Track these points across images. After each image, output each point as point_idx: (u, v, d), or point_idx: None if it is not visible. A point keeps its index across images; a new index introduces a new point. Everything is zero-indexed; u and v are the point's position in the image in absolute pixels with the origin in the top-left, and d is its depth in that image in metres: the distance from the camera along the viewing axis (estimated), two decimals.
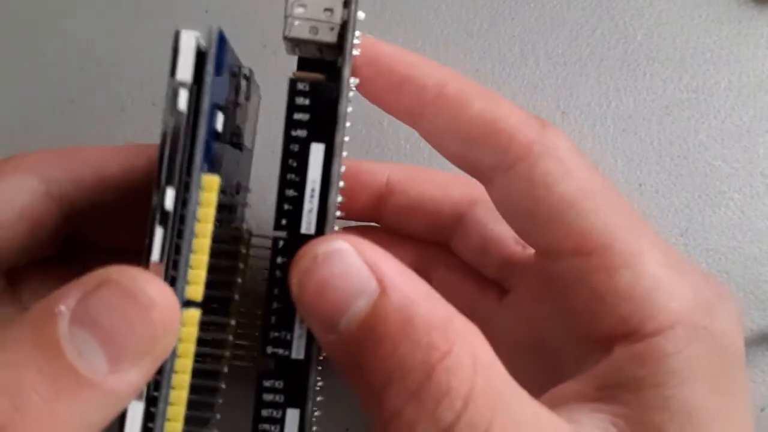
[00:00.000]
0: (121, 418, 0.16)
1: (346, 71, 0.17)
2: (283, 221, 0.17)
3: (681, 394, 0.16)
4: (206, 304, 0.17)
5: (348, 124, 0.17)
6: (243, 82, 0.19)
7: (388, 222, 0.24)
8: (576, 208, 0.18)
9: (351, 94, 0.17)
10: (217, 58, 0.16)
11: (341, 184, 0.17)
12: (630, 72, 0.28)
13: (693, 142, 0.27)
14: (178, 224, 0.16)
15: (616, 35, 0.28)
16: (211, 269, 0.17)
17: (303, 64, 0.18)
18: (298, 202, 0.17)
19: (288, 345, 0.17)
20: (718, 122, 0.27)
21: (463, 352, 0.15)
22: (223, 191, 0.17)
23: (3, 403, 0.13)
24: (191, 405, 0.17)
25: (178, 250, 0.16)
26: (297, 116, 0.17)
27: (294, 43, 0.17)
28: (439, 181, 0.23)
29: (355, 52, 0.17)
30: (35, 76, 0.28)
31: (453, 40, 0.28)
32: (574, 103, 0.28)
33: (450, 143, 0.20)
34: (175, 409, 0.16)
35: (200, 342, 0.16)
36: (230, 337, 0.18)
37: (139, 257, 0.16)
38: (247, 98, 0.19)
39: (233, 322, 0.18)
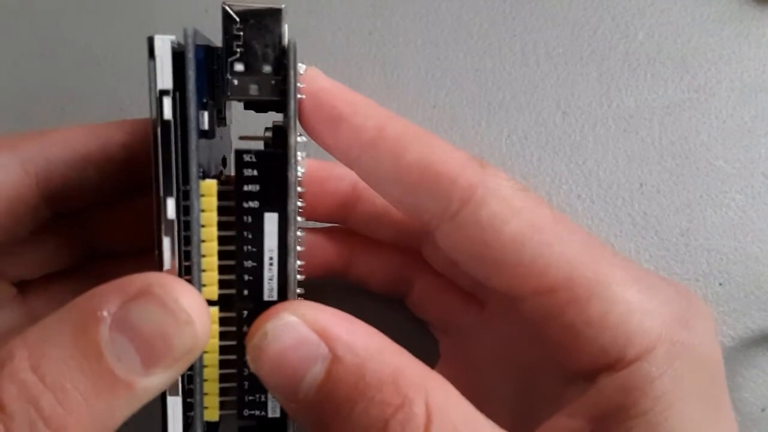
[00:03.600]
0: (164, 414, 0.17)
1: (293, 138, 0.17)
2: (245, 292, 0.17)
3: (670, 419, 0.16)
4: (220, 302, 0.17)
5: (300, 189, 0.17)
6: (216, 63, 0.18)
7: (357, 228, 0.24)
8: (529, 245, 0.17)
9: (301, 157, 0.17)
10: (196, 63, 0.16)
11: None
12: (631, 72, 0.28)
13: (694, 142, 0.27)
14: (184, 232, 0.16)
15: (617, 35, 0.28)
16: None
17: (248, 103, 0.18)
18: (258, 272, 0.17)
19: (263, 406, 0.17)
20: (719, 122, 0.27)
21: (415, 402, 0.15)
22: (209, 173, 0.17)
23: (49, 398, 0.14)
24: (223, 392, 0.18)
25: (188, 256, 0.16)
26: (247, 188, 0.17)
27: (236, 99, 0.17)
28: None
29: (300, 95, 0.17)
30: (35, 76, 0.28)
31: (453, 40, 0.28)
32: (575, 103, 0.28)
33: (390, 188, 0.19)
34: (209, 398, 0.17)
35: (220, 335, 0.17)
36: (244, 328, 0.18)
37: (149, 262, 0.16)
38: (223, 77, 0.19)
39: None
